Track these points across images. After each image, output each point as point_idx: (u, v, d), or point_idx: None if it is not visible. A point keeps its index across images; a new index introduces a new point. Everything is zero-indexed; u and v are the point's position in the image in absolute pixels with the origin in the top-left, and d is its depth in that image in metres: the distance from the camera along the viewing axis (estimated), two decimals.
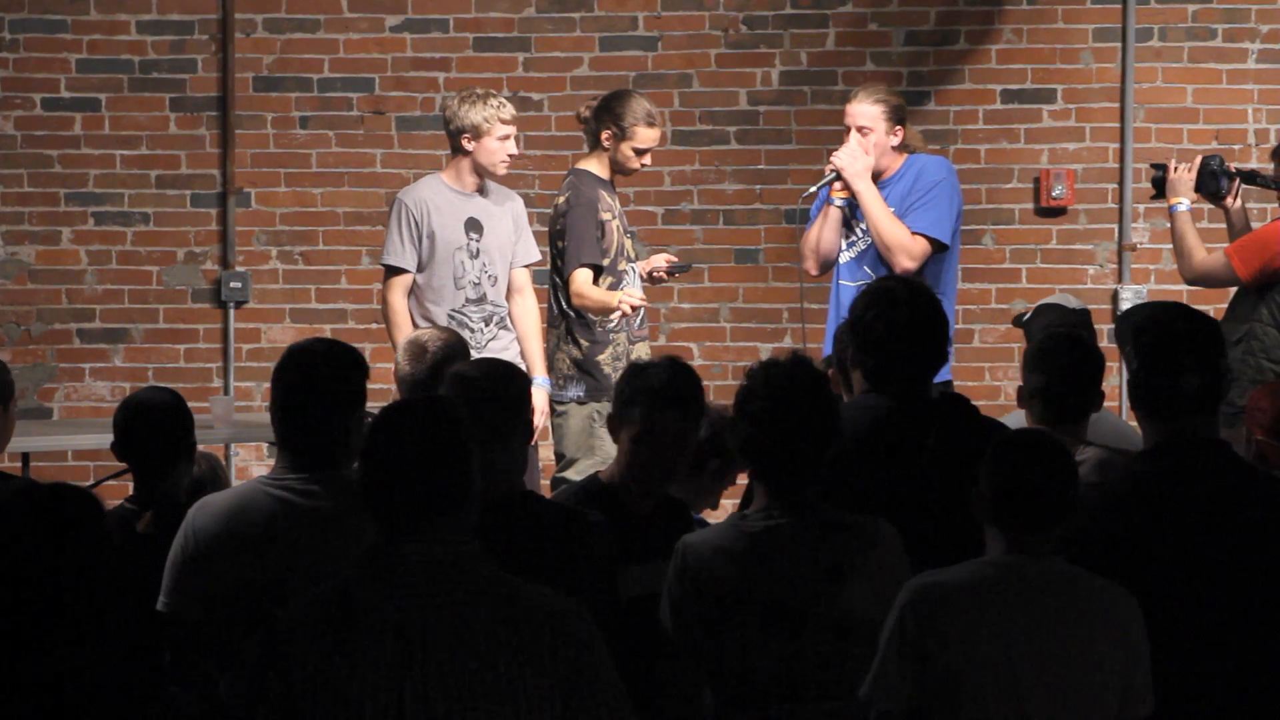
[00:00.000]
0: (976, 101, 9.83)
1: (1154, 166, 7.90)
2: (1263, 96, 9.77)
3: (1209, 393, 4.39)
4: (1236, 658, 4.28)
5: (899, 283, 5.30)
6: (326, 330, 9.79)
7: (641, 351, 7.98)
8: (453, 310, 7.82)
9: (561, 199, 7.93)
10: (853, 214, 7.64)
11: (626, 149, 7.87)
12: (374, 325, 9.52)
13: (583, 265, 7.79)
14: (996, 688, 4.11)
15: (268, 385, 9.78)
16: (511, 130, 7.85)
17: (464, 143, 7.81)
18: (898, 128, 7.54)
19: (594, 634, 3.76)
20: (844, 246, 7.69)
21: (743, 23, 9.89)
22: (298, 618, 3.74)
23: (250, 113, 9.91)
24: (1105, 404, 5.85)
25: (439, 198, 7.87)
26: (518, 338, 7.97)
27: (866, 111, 7.54)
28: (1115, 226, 9.84)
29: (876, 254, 7.57)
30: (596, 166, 7.95)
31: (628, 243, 7.98)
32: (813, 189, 7.68)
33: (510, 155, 7.86)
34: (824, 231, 7.66)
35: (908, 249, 7.42)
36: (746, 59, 9.88)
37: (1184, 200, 7.66)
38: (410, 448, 3.72)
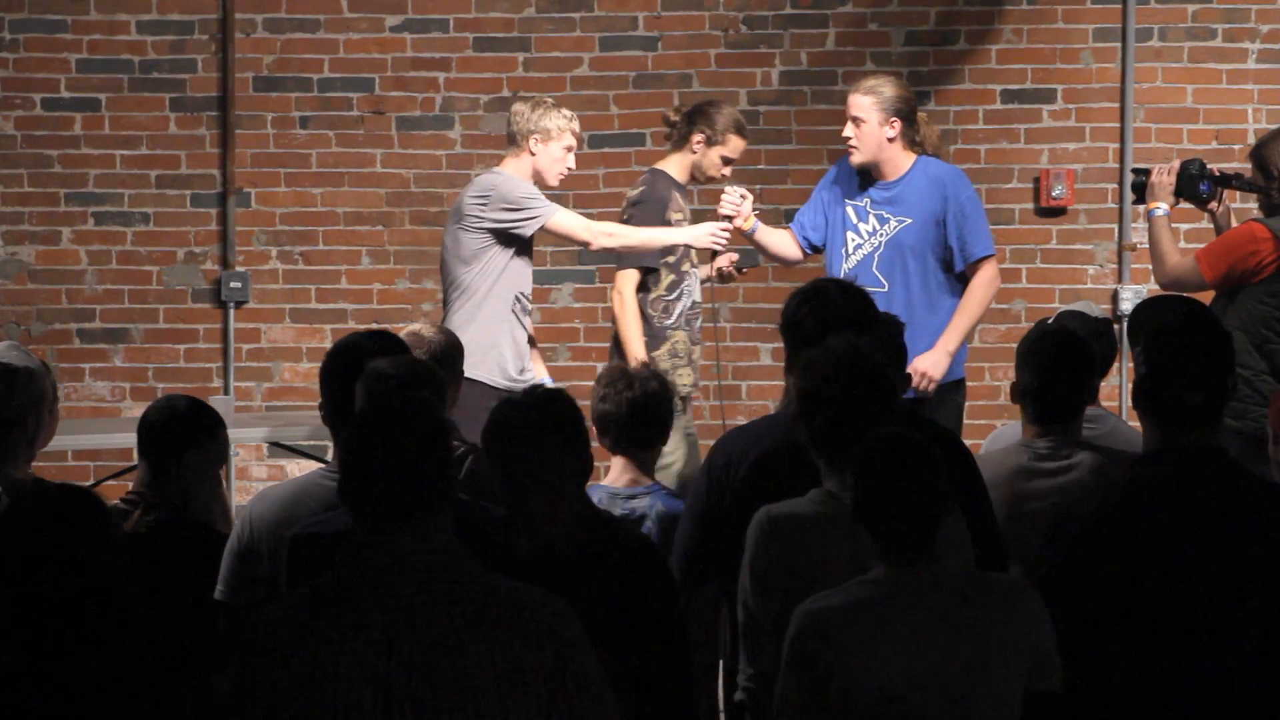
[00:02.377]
0: (976, 101, 9.83)
1: (1135, 171, 7.89)
2: (1263, 96, 9.77)
3: (1211, 408, 4.39)
4: (1234, 661, 4.28)
5: (832, 282, 5.29)
6: (326, 330, 9.80)
7: (697, 355, 8.07)
8: (522, 293, 7.85)
9: (634, 192, 8.05)
10: (858, 217, 7.70)
11: (715, 155, 8.02)
12: (374, 325, 9.52)
13: (633, 266, 7.91)
14: (891, 707, 4.11)
15: (268, 385, 9.90)
16: (574, 144, 7.90)
17: (532, 143, 7.80)
18: (894, 120, 7.59)
19: (576, 627, 3.77)
20: (850, 250, 7.71)
21: (743, 23, 9.89)
22: (283, 616, 3.74)
23: (250, 113, 9.92)
24: (1105, 404, 5.85)
25: None
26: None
27: (858, 102, 7.67)
28: (1115, 226, 9.84)
29: (888, 256, 7.60)
30: (675, 169, 8.06)
31: None
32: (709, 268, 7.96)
33: (569, 169, 7.90)
34: (768, 246, 7.89)
35: (992, 287, 7.67)
36: (746, 59, 9.89)
37: (1162, 205, 7.64)
38: (390, 446, 3.73)
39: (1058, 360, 5.46)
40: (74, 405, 9.85)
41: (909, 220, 7.58)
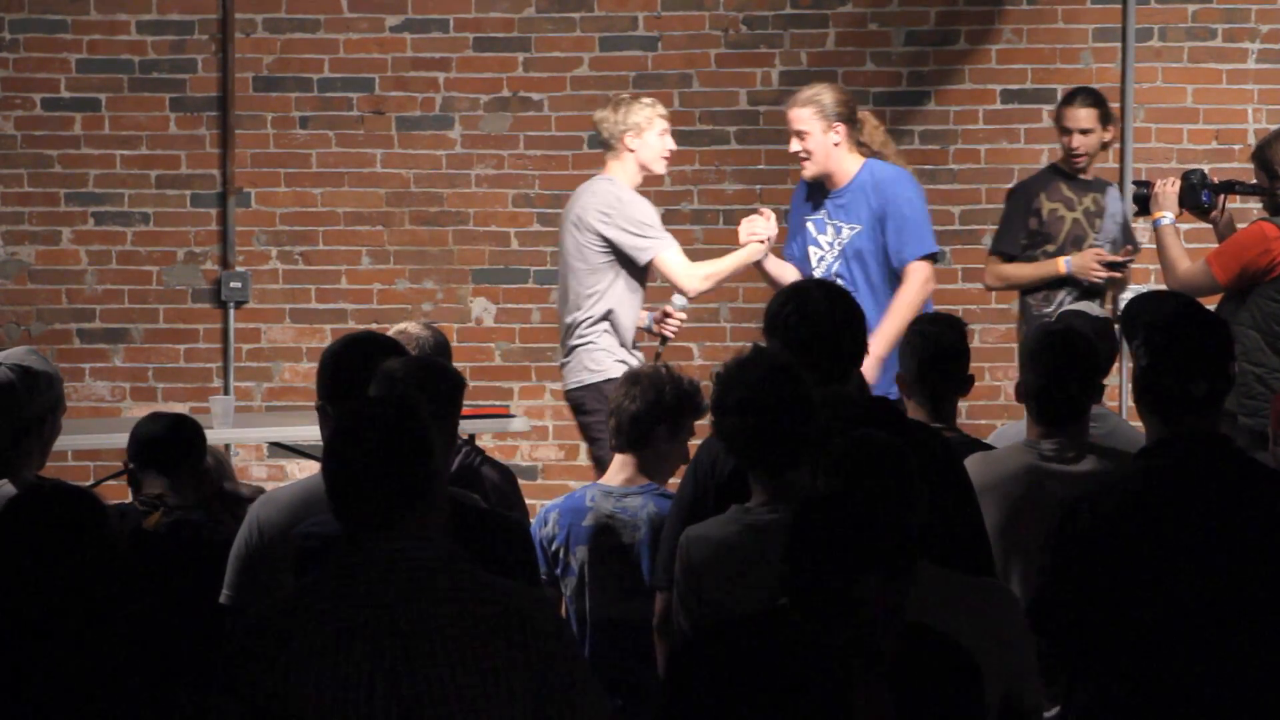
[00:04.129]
0: (976, 101, 9.83)
1: (1136, 184, 7.92)
2: (1263, 96, 9.77)
3: (1214, 396, 4.39)
4: (1247, 649, 4.28)
5: (813, 282, 5.35)
6: (326, 330, 9.80)
7: None
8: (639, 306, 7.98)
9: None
10: (818, 230, 7.72)
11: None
12: (374, 325, 9.52)
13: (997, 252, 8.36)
14: None
15: (268, 385, 9.91)
16: (668, 125, 7.94)
17: (629, 140, 7.84)
18: (836, 125, 7.58)
19: (565, 628, 3.76)
20: (815, 264, 7.73)
21: (743, 23, 9.89)
22: (269, 616, 3.74)
23: (250, 113, 9.92)
24: (1106, 403, 5.83)
25: None
26: None
27: (798, 115, 7.67)
28: None
29: (845, 264, 7.61)
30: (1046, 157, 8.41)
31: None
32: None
33: (670, 150, 7.94)
34: (776, 278, 7.82)
35: (924, 290, 7.57)
36: (746, 59, 9.88)
37: (1168, 214, 7.68)
38: (374, 445, 3.70)
39: (1063, 359, 5.43)
40: (74, 405, 9.84)
41: (859, 226, 7.60)
